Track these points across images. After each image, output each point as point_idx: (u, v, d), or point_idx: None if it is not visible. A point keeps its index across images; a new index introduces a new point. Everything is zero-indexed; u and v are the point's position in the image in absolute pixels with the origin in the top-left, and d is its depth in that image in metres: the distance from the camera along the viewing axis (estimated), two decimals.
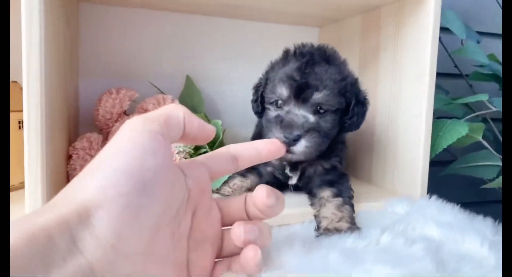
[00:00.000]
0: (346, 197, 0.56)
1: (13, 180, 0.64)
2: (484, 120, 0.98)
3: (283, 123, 0.50)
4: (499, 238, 0.49)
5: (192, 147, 0.68)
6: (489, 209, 0.63)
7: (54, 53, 0.53)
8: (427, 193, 0.66)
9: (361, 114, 0.58)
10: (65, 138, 0.63)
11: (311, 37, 1.01)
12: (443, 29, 0.88)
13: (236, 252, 0.37)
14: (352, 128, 0.59)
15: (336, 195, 0.56)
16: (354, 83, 0.58)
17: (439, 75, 0.66)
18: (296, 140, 0.49)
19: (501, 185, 0.80)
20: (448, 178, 0.97)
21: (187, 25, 0.90)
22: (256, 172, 0.64)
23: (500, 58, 0.95)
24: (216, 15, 0.90)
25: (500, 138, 0.93)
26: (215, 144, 0.74)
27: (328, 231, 0.50)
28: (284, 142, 0.48)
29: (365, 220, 0.56)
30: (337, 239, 0.48)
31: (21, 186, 0.65)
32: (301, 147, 0.50)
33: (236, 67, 0.94)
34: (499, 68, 0.95)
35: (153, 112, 0.33)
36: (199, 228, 0.35)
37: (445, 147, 0.70)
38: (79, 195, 0.26)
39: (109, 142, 0.30)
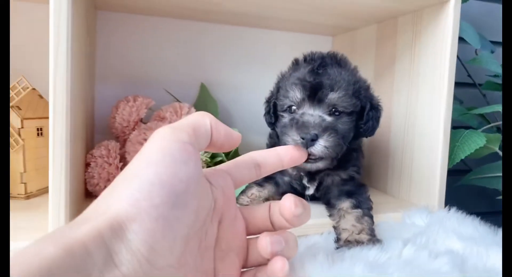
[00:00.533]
0: (366, 209, 0.55)
1: (31, 187, 0.64)
2: (498, 130, 0.98)
3: (299, 124, 0.49)
4: None
5: (209, 156, 0.68)
6: (499, 219, 0.62)
7: (77, 62, 0.54)
8: (445, 204, 0.66)
9: (376, 119, 0.57)
10: (83, 146, 0.63)
11: (324, 46, 1.01)
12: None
13: (262, 262, 0.37)
14: (367, 134, 0.58)
15: (355, 206, 0.55)
16: (367, 88, 0.58)
17: None
18: (314, 140, 0.48)
19: None
20: (462, 188, 0.96)
21: (202, 34, 0.90)
22: (273, 182, 0.63)
23: None
24: (231, 23, 0.91)
25: None
26: (230, 152, 0.74)
27: (349, 243, 0.50)
28: (301, 144, 0.47)
29: (385, 232, 0.55)
30: (359, 251, 0.47)
31: (39, 193, 0.66)
32: (319, 146, 0.48)
33: (250, 75, 0.95)
34: None
35: (180, 121, 0.32)
36: (225, 238, 0.35)
37: (462, 158, 0.70)
38: (111, 208, 0.26)
39: (138, 153, 0.30)
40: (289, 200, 0.36)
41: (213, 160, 0.70)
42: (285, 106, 0.54)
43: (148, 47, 0.87)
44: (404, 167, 0.74)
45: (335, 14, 0.79)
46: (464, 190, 1.01)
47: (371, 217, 0.55)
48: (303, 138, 0.47)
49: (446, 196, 0.67)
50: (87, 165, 0.64)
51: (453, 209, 0.61)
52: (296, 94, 0.52)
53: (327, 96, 0.51)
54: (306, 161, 0.50)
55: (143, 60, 0.86)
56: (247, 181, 0.38)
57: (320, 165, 0.54)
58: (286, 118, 0.55)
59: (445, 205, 0.65)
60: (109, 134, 0.76)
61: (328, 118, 0.51)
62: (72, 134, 0.50)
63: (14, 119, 0.62)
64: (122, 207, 0.26)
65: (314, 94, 0.51)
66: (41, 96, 0.68)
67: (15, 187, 0.62)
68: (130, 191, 0.27)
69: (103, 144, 0.66)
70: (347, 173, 0.61)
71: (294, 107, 0.54)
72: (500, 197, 0.83)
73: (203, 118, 0.33)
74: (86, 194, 0.65)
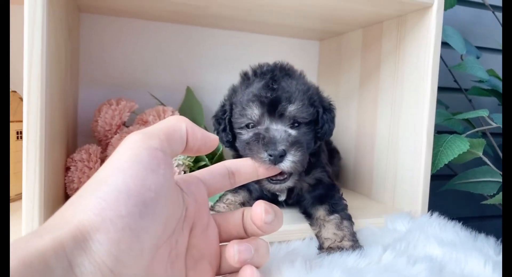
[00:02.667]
0: (341, 211, 0.55)
1: (10, 192, 0.63)
2: (484, 135, 0.98)
3: (265, 140, 0.47)
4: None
5: (192, 160, 0.67)
6: (488, 225, 0.62)
7: (55, 64, 0.53)
8: (428, 209, 0.66)
9: (331, 120, 0.57)
10: (63, 149, 0.62)
11: (311, 50, 1.02)
12: (443, 44, 0.88)
13: (236, 270, 0.36)
14: (324, 137, 0.57)
15: (331, 212, 0.54)
16: (318, 92, 0.58)
17: (438, 89, 0.66)
18: (282, 156, 0.46)
19: (501, 201, 0.80)
20: (447, 193, 0.96)
21: (188, 37, 0.90)
22: (246, 188, 0.62)
23: (500, 74, 0.96)
24: (218, 27, 0.91)
25: (500, 153, 0.93)
26: (214, 156, 0.73)
27: (331, 249, 0.50)
28: (269, 161, 0.45)
29: (366, 238, 0.55)
30: (338, 257, 0.47)
31: (17, 197, 0.64)
32: (288, 162, 0.47)
33: (236, 79, 0.94)
34: (498, 84, 0.95)
35: (154, 126, 0.32)
36: (197, 246, 0.34)
37: (446, 162, 0.70)
38: (76, 217, 0.25)
39: (108, 159, 0.29)
40: (260, 207, 0.35)
41: (197, 164, 0.70)
42: (243, 124, 0.53)
43: (134, 50, 0.86)
44: (388, 172, 0.74)
45: (322, 19, 0.79)
46: (450, 194, 1.02)
47: (349, 219, 0.54)
48: (271, 155, 0.45)
49: (432, 201, 0.67)
50: (67, 169, 0.63)
51: (435, 215, 0.61)
52: (254, 111, 0.51)
53: (287, 109, 0.50)
54: (275, 182, 0.50)
55: (128, 64, 0.86)
56: (221, 189, 0.38)
57: (289, 183, 0.53)
58: (246, 135, 0.53)
59: (431, 210, 0.64)
60: (93, 138, 0.75)
61: (293, 132, 0.51)
62: (48, 138, 0.49)
63: None
64: (87, 216, 0.25)
65: (274, 109, 0.50)
66: (21, 99, 0.67)
67: None
68: (96, 200, 0.26)
69: (84, 148, 0.65)
70: (313, 177, 0.60)
71: (252, 124, 0.52)
72: (485, 202, 0.83)
73: (178, 123, 0.33)
74: (66, 198, 0.64)
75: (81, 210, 0.26)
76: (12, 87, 0.63)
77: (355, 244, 0.50)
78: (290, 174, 0.51)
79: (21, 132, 0.65)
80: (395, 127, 0.73)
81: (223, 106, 0.59)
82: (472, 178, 0.84)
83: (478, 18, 1.18)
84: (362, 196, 0.81)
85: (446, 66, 0.99)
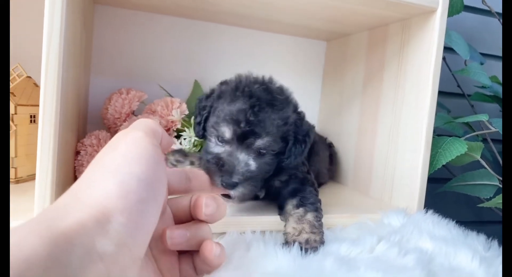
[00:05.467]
0: (309, 204, 0.55)
1: (21, 172, 0.66)
2: (484, 140, 1.00)
3: (224, 168, 0.49)
4: (490, 254, 0.50)
5: (198, 150, 0.70)
6: (484, 229, 0.64)
7: (71, 53, 0.55)
8: (424, 208, 0.67)
9: (299, 153, 0.56)
10: (74, 134, 0.65)
11: (318, 50, 1.04)
12: (448, 49, 0.90)
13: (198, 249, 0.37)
14: (288, 165, 0.57)
15: (298, 206, 0.55)
16: (296, 121, 0.56)
17: (441, 93, 0.68)
18: (234, 186, 0.49)
19: (497, 205, 0.82)
20: (445, 195, 0.98)
21: (198, 32, 0.92)
22: None
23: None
24: (227, 23, 0.93)
25: (499, 158, 0.94)
26: None
27: (288, 244, 0.50)
28: (221, 185, 0.48)
29: (361, 231, 0.57)
30: (331, 245, 0.49)
31: (29, 178, 0.67)
32: (237, 192, 0.50)
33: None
34: (500, 90, 0.97)
35: (141, 124, 0.34)
36: (156, 229, 0.34)
37: (443, 163, 0.71)
38: (97, 200, 0.27)
39: (110, 150, 0.31)
40: (200, 201, 0.37)
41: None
42: (213, 134, 0.54)
43: (144, 43, 0.89)
44: (387, 171, 0.76)
45: (329, 20, 0.81)
46: (447, 197, 1.03)
47: (314, 210, 0.55)
48: (223, 183, 0.48)
49: (429, 203, 0.69)
50: (77, 153, 0.66)
51: (430, 212, 0.63)
52: (226, 133, 0.52)
53: (254, 144, 0.51)
54: (224, 198, 0.51)
55: (139, 55, 0.88)
56: (176, 190, 0.39)
57: (236, 202, 0.54)
58: (213, 144, 0.54)
59: (427, 208, 0.66)
60: (102, 124, 0.78)
61: (253, 163, 0.51)
62: (62, 122, 0.52)
63: None
64: (110, 199, 0.27)
65: (243, 139, 0.51)
66: (36, 85, 0.70)
67: None
68: (120, 184, 0.28)
69: (94, 133, 0.68)
70: (286, 174, 0.60)
71: (220, 138, 0.53)
72: (481, 205, 0.85)
73: (157, 127, 0.36)
74: (75, 180, 0.66)
75: (102, 193, 0.27)
76: (28, 72, 0.65)
77: (313, 237, 0.50)
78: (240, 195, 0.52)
79: (34, 116, 0.68)
80: (396, 127, 0.74)
81: (208, 96, 0.58)
82: (470, 181, 0.86)
83: (485, 24, 1.20)
84: (360, 194, 0.83)
85: (450, 71, 1.01)
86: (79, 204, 0.26)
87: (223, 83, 0.58)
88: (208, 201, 0.37)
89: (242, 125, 0.50)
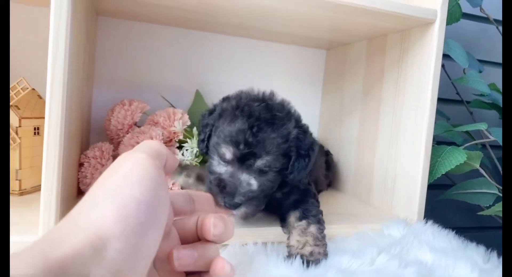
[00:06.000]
0: (312, 216, 0.56)
1: (26, 184, 0.67)
2: (483, 146, 1.00)
3: (226, 189, 0.50)
4: (489, 266, 0.51)
5: (199, 161, 0.70)
6: (485, 235, 0.64)
7: (75, 65, 0.56)
8: (424, 217, 0.68)
9: (303, 167, 0.56)
10: (78, 146, 0.66)
11: (318, 58, 1.05)
12: (447, 57, 0.91)
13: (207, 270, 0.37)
14: (293, 181, 0.57)
15: (301, 218, 0.56)
16: (298, 137, 0.55)
17: (441, 101, 0.68)
18: (236, 206, 0.50)
19: (496, 213, 0.82)
20: (446, 202, 0.99)
21: (199, 42, 0.93)
22: None
23: (501, 88, 0.98)
24: (227, 33, 0.94)
25: (498, 165, 0.95)
26: None
27: (292, 256, 0.50)
28: (224, 205, 0.50)
29: (362, 241, 0.58)
30: (333, 257, 0.50)
31: (33, 190, 0.68)
32: (240, 212, 0.51)
33: (244, 83, 0.96)
34: (499, 98, 0.98)
35: (145, 147, 0.34)
36: (162, 250, 0.34)
37: (443, 173, 0.72)
38: (93, 224, 0.26)
39: (112, 171, 0.30)
40: (209, 221, 0.37)
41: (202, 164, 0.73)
42: (215, 153, 0.54)
43: (146, 53, 0.89)
44: (387, 181, 0.77)
45: (329, 30, 0.82)
46: (448, 204, 1.04)
47: (317, 223, 0.55)
48: (226, 203, 0.50)
49: (429, 210, 0.70)
50: (81, 165, 0.66)
51: (430, 222, 0.63)
52: (226, 154, 0.52)
53: (255, 164, 0.51)
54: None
55: (140, 66, 0.89)
56: (181, 212, 0.38)
57: (241, 218, 0.55)
58: (215, 163, 0.54)
59: (429, 218, 0.67)
60: (104, 135, 0.78)
61: (254, 183, 0.52)
62: (66, 134, 0.52)
63: (13, 118, 0.64)
64: (106, 224, 0.26)
65: (244, 160, 0.51)
66: (40, 97, 0.71)
67: (10, 183, 0.65)
68: (116, 208, 0.27)
69: (97, 145, 0.68)
70: (288, 186, 0.60)
71: (222, 158, 0.53)
72: (481, 212, 0.86)
73: (162, 149, 0.35)
74: (79, 192, 0.67)
75: (99, 217, 0.26)
76: (32, 85, 0.66)
77: (316, 249, 0.51)
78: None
79: (38, 128, 0.69)
80: (396, 135, 0.75)
81: (210, 114, 0.58)
82: (469, 189, 0.86)
83: (483, 32, 1.21)
84: (361, 203, 0.83)
85: (449, 79, 1.02)
86: (76, 229, 0.26)
87: (225, 99, 0.58)
88: (217, 222, 0.36)
89: (241, 147, 0.50)
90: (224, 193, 0.50)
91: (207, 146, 0.57)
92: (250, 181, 0.52)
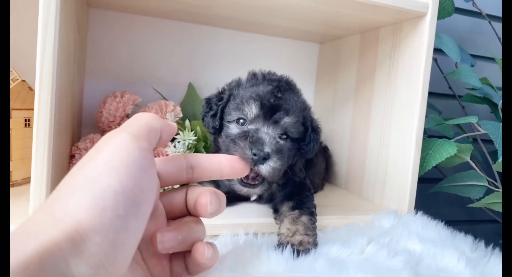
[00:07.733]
0: (305, 208, 0.56)
1: (16, 176, 0.66)
2: (474, 140, 1.01)
3: (253, 139, 0.48)
4: (476, 255, 0.52)
5: (195, 139, 0.70)
6: (475, 228, 0.65)
7: (65, 56, 0.56)
8: (415, 209, 0.69)
9: (315, 141, 0.58)
10: (69, 138, 0.66)
11: (311, 52, 1.05)
12: (440, 51, 0.91)
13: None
14: (307, 155, 0.59)
15: (294, 208, 0.56)
16: (310, 112, 0.60)
17: (433, 95, 0.69)
18: (265, 159, 0.47)
19: (486, 205, 0.83)
20: (437, 195, 1.00)
21: (192, 34, 0.93)
22: (215, 183, 0.62)
23: (493, 82, 0.99)
24: (220, 26, 0.94)
25: (489, 158, 0.96)
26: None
27: (282, 245, 0.50)
28: (252, 160, 0.46)
29: (352, 232, 0.58)
30: (322, 247, 0.50)
31: (24, 182, 0.67)
32: (267, 167, 0.48)
33: (237, 76, 0.97)
34: (490, 92, 0.98)
35: (132, 123, 0.32)
36: (146, 230, 0.32)
37: (434, 165, 0.73)
38: (71, 215, 0.24)
39: (92, 156, 0.28)
40: (205, 198, 0.35)
41: (199, 144, 0.73)
42: (235, 118, 0.54)
43: (139, 46, 0.89)
44: (378, 173, 0.77)
45: (322, 23, 0.82)
46: (439, 197, 1.05)
47: (309, 214, 0.55)
48: (255, 154, 0.46)
49: (421, 203, 0.70)
50: (72, 156, 0.66)
51: (420, 213, 0.64)
52: (252, 110, 0.52)
53: (282, 120, 0.52)
54: (245, 185, 0.52)
55: (133, 58, 0.89)
56: (174, 182, 0.36)
57: (257, 191, 0.56)
58: (234, 129, 0.54)
59: (421, 211, 0.67)
60: (96, 127, 0.78)
61: (280, 141, 0.53)
62: (56, 126, 0.52)
63: None
64: (84, 217, 0.24)
65: (271, 115, 0.52)
66: (31, 88, 0.70)
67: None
68: (94, 199, 0.25)
69: (89, 137, 0.68)
70: (284, 178, 0.61)
71: (242, 121, 0.54)
72: (471, 205, 0.87)
73: (155, 123, 0.33)
74: None
75: (76, 209, 0.25)
76: (22, 76, 0.66)
77: (306, 239, 0.51)
78: (262, 181, 0.53)
79: (29, 120, 0.68)
80: (387, 129, 0.76)
81: (221, 93, 0.59)
82: (460, 182, 0.87)
83: (476, 27, 1.21)
84: (352, 195, 0.84)
85: (442, 73, 1.02)
86: (52, 220, 0.24)
87: (233, 81, 0.60)
88: (212, 199, 0.35)
89: (271, 100, 0.52)
90: (251, 144, 0.47)
91: (221, 118, 0.57)
92: (275, 136, 0.52)
